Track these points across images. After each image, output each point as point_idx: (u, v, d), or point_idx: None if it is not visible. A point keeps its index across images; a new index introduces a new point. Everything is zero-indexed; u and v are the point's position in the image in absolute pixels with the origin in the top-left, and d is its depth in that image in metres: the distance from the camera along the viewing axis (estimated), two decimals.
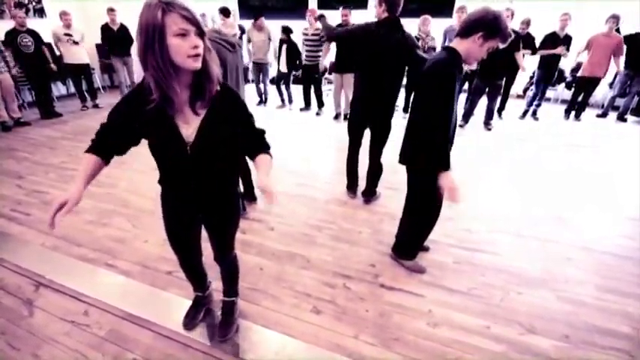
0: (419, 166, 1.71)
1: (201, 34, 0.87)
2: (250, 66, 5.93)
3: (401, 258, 2.02)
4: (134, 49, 5.86)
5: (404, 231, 2.01)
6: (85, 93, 5.64)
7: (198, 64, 0.88)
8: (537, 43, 5.20)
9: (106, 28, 5.63)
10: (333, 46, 4.95)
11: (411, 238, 1.98)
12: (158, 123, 0.99)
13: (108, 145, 1.06)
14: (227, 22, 5.47)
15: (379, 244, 2.25)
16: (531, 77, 6.18)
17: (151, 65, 0.85)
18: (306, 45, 5.21)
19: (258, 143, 1.11)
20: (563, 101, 6.40)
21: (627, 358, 1.48)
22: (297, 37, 5.65)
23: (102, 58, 6.81)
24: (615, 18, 4.77)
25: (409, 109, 1.76)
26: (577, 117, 5.63)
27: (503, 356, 1.49)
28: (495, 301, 1.80)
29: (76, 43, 5.10)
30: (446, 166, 1.53)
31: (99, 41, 5.92)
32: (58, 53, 5.48)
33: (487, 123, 4.95)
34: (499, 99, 5.04)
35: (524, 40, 4.84)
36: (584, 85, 5.37)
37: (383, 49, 2.21)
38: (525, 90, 6.69)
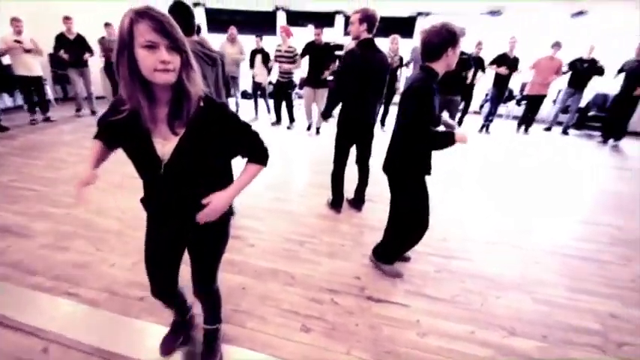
0: (403, 173, 1.77)
1: (176, 48, 0.81)
2: None
3: (379, 261, 2.04)
4: (92, 60, 5.59)
5: (387, 236, 2.04)
6: (35, 106, 5.18)
7: (168, 79, 0.82)
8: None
9: (61, 38, 5.29)
10: (305, 60, 5.03)
11: (392, 245, 2.00)
12: (133, 135, 0.94)
13: (107, 136, 1.05)
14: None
15: (362, 256, 2.24)
16: (487, 95, 6.73)
17: (121, 76, 0.83)
18: (279, 61, 5.25)
19: (249, 150, 1.08)
20: (515, 117, 6.99)
21: (600, 353, 1.58)
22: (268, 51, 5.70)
23: (55, 69, 6.34)
24: (558, 45, 5.38)
25: (395, 123, 1.82)
26: (526, 131, 6.17)
27: None
28: (477, 306, 1.86)
29: (27, 51, 4.71)
30: (451, 142, 1.59)
31: (51, 51, 5.53)
32: (6, 63, 5.03)
33: None
34: (458, 114, 5.42)
35: (476, 60, 5.27)
36: (531, 102, 5.94)
37: (369, 69, 2.32)
38: (481, 106, 7.25)
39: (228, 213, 1.18)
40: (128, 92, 0.84)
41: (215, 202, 1.05)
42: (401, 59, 5.37)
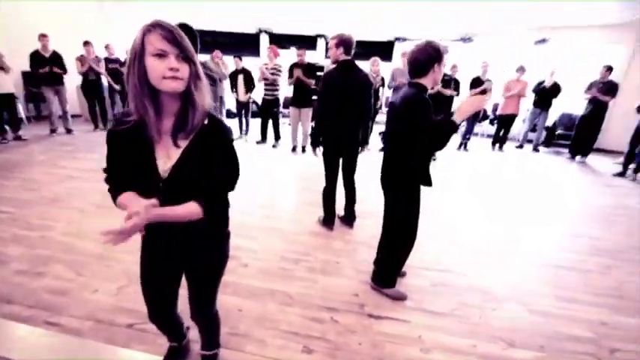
0: (401, 185, 1.81)
1: (185, 58, 0.84)
2: None
3: (382, 287, 2.02)
4: (68, 77, 5.44)
5: (382, 260, 2.03)
6: (5, 125, 4.92)
7: (176, 87, 0.84)
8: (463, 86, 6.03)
9: (36, 55, 5.13)
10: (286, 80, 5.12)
11: (389, 266, 2.00)
12: (136, 146, 0.92)
13: (123, 182, 0.97)
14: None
15: (358, 272, 2.23)
16: None
17: (131, 85, 0.84)
18: (265, 80, 5.32)
19: (208, 187, 0.96)
20: (489, 135, 7.37)
21: None
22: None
23: (29, 86, 6.10)
24: (522, 69, 5.84)
25: (388, 138, 1.87)
26: (500, 148, 6.51)
27: None
28: (475, 319, 1.87)
29: (1, 69, 4.52)
30: (455, 128, 1.58)
31: (24, 68, 5.35)
32: None
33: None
34: None
35: (454, 82, 5.60)
36: (503, 122, 6.33)
37: (348, 88, 2.40)
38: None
39: (220, 236, 1.13)
40: (137, 101, 0.85)
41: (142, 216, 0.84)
42: (382, 80, 5.59)
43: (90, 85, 5.83)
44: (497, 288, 2.16)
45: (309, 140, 5.28)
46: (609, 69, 5.38)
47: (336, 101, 2.43)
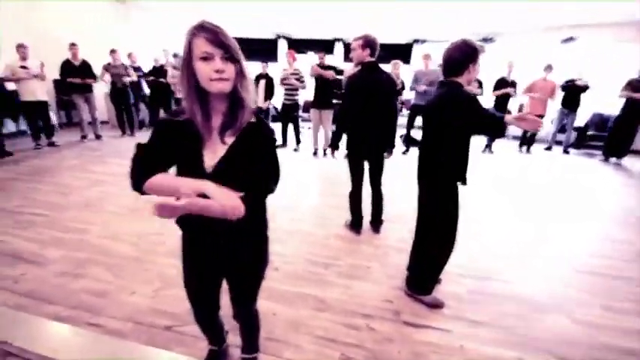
0: (440, 182, 1.77)
1: (230, 58, 0.84)
2: None
3: (418, 294, 1.95)
4: (97, 85, 5.65)
5: (419, 264, 1.97)
6: (40, 131, 5.14)
7: (223, 88, 0.85)
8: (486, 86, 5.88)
9: (67, 64, 5.35)
10: (311, 84, 5.14)
11: (427, 272, 1.93)
12: (183, 141, 0.93)
13: (155, 168, 0.95)
14: None
15: (390, 278, 2.17)
16: None
17: (183, 88, 0.88)
18: (285, 85, 5.36)
19: (259, 184, 0.98)
20: (514, 137, 7.15)
21: None
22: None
23: (60, 94, 6.36)
24: (550, 67, 5.61)
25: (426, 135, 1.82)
26: (528, 150, 6.29)
27: None
28: (520, 330, 1.78)
29: (35, 76, 4.73)
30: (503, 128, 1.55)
31: (55, 77, 5.58)
32: (11, 89, 5.04)
33: None
34: None
35: (477, 82, 5.46)
36: None
37: (374, 89, 2.38)
38: None
39: (261, 235, 1.15)
40: (188, 104, 0.89)
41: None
42: (402, 83, 5.53)
43: (118, 93, 6.03)
44: (538, 296, 2.06)
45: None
46: None
47: (361, 103, 2.41)
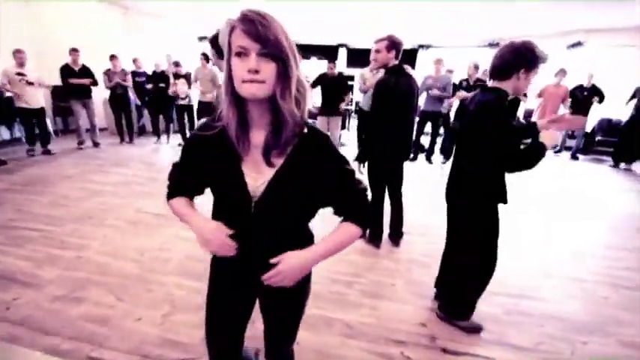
0: (479, 202, 1.59)
1: (270, 55, 0.65)
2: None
3: (455, 319, 1.77)
4: (96, 91, 5.48)
5: (456, 288, 1.78)
6: (35, 138, 4.95)
7: (254, 92, 0.66)
8: None
9: (66, 68, 5.17)
10: (317, 90, 5.00)
11: (466, 296, 1.75)
12: (218, 157, 0.77)
13: (185, 188, 0.91)
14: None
15: (419, 297, 2.00)
16: None
17: (224, 91, 0.73)
18: None
19: (351, 205, 0.85)
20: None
21: None
22: None
23: (56, 101, 6.18)
24: (563, 72, 5.51)
25: (459, 150, 1.67)
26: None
27: None
28: (567, 355, 1.62)
29: (30, 83, 4.56)
30: (543, 148, 1.43)
31: (55, 82, 5.40)
32: (8, 95, 4.87)
33: None
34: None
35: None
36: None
37: (408, 94, 2.25)
38: None
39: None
40: (225, 110, 0.74)
41: (290, 263, 0.77)
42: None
43: (117, 99, 5.86)
44: (577, 315, 1.90)
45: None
46: None
47: (396, 109, 2.26)
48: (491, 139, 1.44)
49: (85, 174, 4.14)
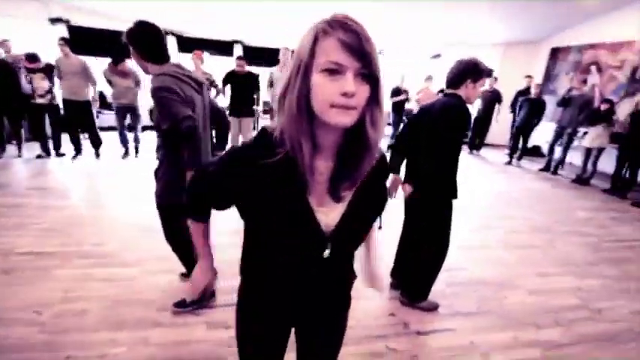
0: (435, 197, 1.80)
1: (367, 76, 0.55)
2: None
3: (416, 301, 1.97)
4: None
5: (413, 273, 1.98)
6: None
7: (345, 121, 0.55)
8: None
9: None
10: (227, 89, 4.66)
11: (423, 279, 1.96)
12: (286, 197, 0.63)
13: (210, 209, 0.81)
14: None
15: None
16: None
17: (287, 107, 0.58)
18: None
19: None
20: None
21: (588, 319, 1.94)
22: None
23: None
24: (430, 78, 6.66)
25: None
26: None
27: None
28: (500, 311, 2.01)
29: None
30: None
31: None
32: None
33: None
34: None
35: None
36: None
37: None
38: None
39: (350, 291, 0.89)
40: (292, 132, 0.58)
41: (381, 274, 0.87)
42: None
43: None
44: (494, 278, 2.37)
45: None
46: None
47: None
48: (452, 137, 1.65)
49: None
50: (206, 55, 5.33)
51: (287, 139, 0.59)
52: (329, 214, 0.66)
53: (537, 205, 4.07)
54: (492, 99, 6.55)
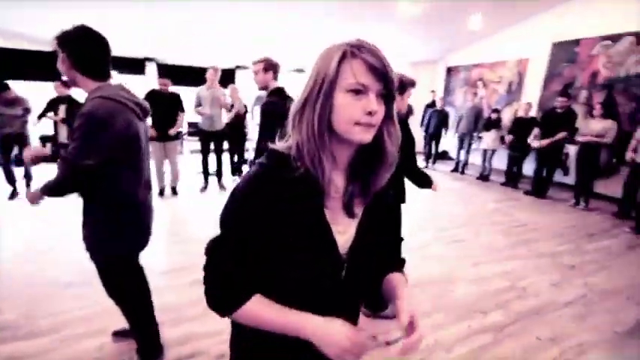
0: None
1: (386, 96, 0.59)
2: None
3: (378, 311, 2.01)
4: None
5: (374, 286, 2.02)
6: None
7: (366, 138, 0.59)
8: None
9: None
10: None
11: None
12: (305, 219, 0.61)
13: (253, 276, 0.65)
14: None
15: None
16: None
17: (307, 125, 0.59)
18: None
19: (398, 255, 0.87)
20: None
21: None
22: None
23: None
24: None
25: None
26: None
27: (492, 343, 1.85)
28: (449, 304, 2.19)
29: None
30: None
31: None
32: None
33: None
34: None
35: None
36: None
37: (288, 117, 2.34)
38: None
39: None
40: (312, 147, 0.58)
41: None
42: (245, 107, 5.50)
43: None
44: (436, 274, 2.59)
45: (178, 182, 4.51)
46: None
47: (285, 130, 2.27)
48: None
49: None
50: (114, 73, 4.79)
51: (306, 155, 0.59)
52: (345, 233, 0.65)
53: (457, 202, 4.62)
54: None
